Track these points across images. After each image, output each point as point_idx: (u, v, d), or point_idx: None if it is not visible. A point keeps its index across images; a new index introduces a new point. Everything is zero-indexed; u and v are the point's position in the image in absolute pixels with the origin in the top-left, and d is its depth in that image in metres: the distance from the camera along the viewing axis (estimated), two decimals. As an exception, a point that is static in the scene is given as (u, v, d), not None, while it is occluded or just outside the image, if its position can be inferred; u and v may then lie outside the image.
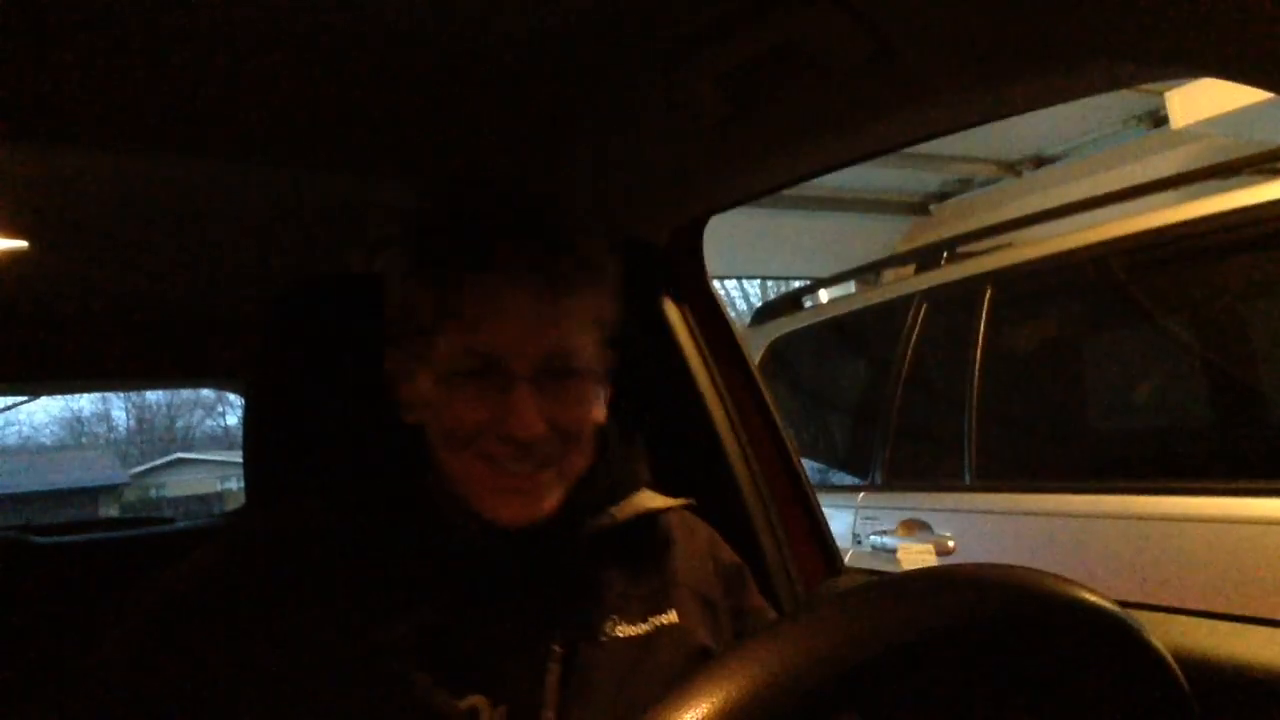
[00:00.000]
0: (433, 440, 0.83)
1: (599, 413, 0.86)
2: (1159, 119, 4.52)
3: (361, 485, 0.86)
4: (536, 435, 0.79)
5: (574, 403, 0.83)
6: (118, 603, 0.82)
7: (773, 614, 1.01)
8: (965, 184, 5.80)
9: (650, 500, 0.96)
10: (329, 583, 0.78)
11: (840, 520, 2.97)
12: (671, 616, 0.89)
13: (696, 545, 0.99)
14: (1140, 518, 2.18)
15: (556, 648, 0.80)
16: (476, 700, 0.75)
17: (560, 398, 0.81)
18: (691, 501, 1.00)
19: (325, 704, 0.73)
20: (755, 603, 1.01)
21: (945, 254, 3.20)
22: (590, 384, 0.85)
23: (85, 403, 23.42)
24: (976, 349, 2.79)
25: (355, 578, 0.79)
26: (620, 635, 0.86)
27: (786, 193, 4.04)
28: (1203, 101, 3.76)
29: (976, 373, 2.77)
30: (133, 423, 24.73)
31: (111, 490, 18.57)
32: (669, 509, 0.96)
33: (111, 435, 24.47)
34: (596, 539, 0.89)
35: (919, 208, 5.99)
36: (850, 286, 4.21)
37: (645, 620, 0.87)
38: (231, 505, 13.65)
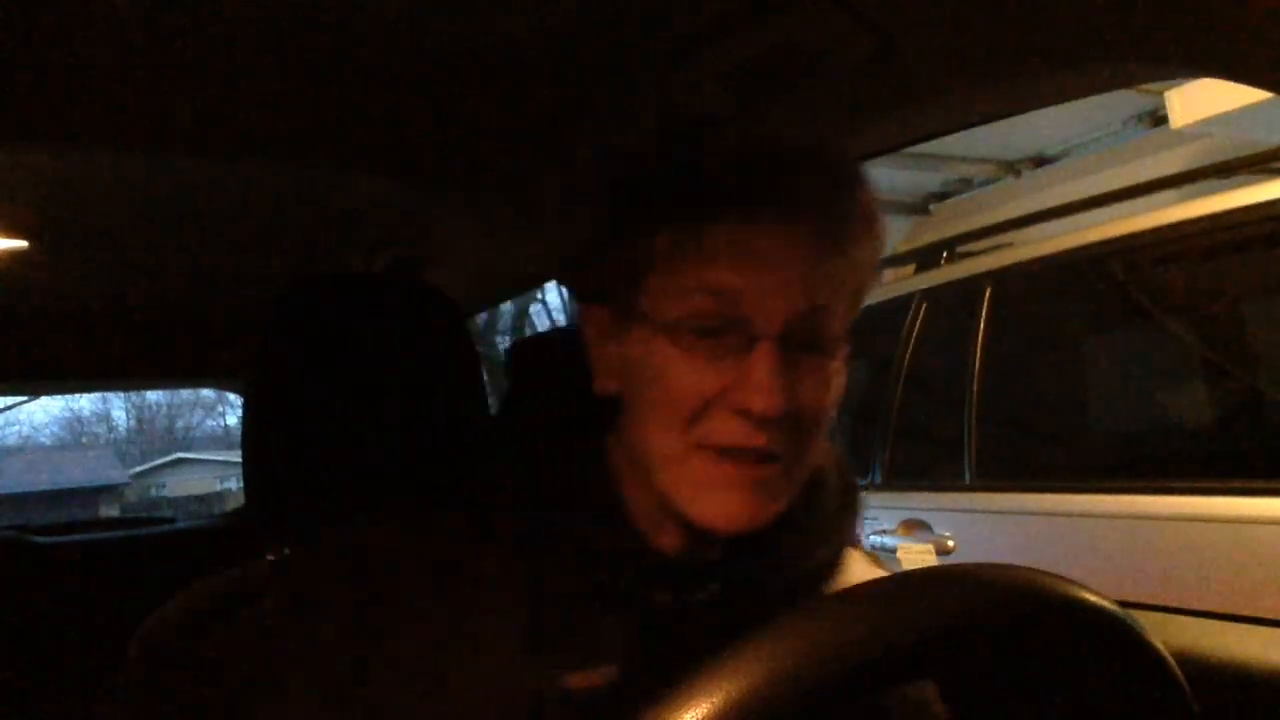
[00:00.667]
0: (634, 417, 0.70)
1: (836, 408, 0.71)
2: (1159, 119, 4.51)
3: (552, 488, 0.73)
4: (780, 411, 0.64)
5: (819, 384, 0.68)
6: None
7: None
8: (965, 184, 5.80)
9: (859, 571, 0.78)
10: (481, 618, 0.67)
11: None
12: None
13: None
14: (1140, 518, 2.18)
15: None
16: None
17: (804, 374, 0.67)
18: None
19: None
20: None
21: (945, 254, 3.21)
22: (836, 364, 0.70)
23: (85, 403, 23.42)
24: (976, 349, 2.78)
25: (515, 604, 0.67)
26: None
27: (786, 193, 4.02)
28: (1203, 101, 3.75)
29: (976, 373, 2.77)
30: (133, 423, 24.73)
31: (111, 490, 18.57)
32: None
33: (111, 435, 24.47)
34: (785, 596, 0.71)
35: (919, 208, 5.99)
36: (850, 286, 4.20)
37: None
38: (231, 505, 13.64)
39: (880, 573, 0.77)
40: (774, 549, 0.71)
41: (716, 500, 0.66)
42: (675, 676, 0.59)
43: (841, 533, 0.78)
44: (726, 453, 0.66)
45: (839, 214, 0.69)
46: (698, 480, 0.66)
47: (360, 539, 0.72)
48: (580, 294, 0.75)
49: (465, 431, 0.96)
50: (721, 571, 0.71)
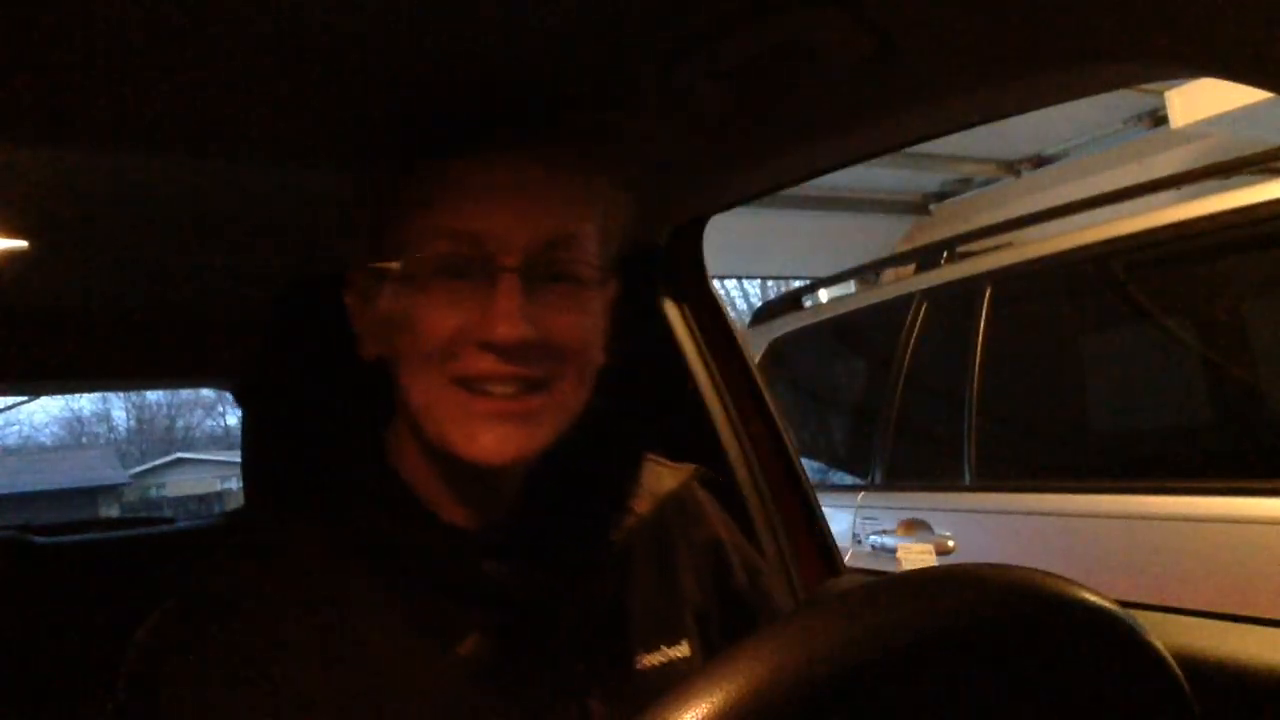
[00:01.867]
0: (397, 372, 0.71)
1: (599, 338, 0.73)
2: (1159, 119, 4.52)
3: (349, 493, 0.75)
4: (523, 338, 0.65)
5: (571, 310, 0.69)
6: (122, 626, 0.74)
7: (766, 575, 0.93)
8: (965, 184, 5.80)
9: (660, 478, 0.82)
10: (354, 610, 0.69)
11: (840, 520, 2.96)
12: (684, 649, 0.78)
13: (697, 538, 0.87)
14: (1140, 518, 2.18)
15: (596, 693, 0.71)
16: None
17: (555, 303, 0.68)
18: (703, 469, 0.88)
19: None
20: (757, 575, 0.90)
21: (945, 254, 3.21)
22: (592, 293, 0.71)
23: (85, 403, 23.43)
24: (976, 349, 2.79)
25: (381, 601, 0.70)
26: (642, 667, 0.75)
27: (786, 192, 4.03)
28: (1203, 101, 3.76)
29: (976, 373, 2.77)
30: (133, 423, 24.74)
31: (111, 490, 18.57)
32: (683, 484, 0.84)
33: (111, 435, 24.48)
34: (626, 546, 0.77)
35: (919, 208, 5.99)
36: (850, 286, 4.22)
37: (660, 648, 0.77)
38: (231, 505, 13.65)
39: (676, 470, 0.84)
40: (563, 497, 0.76)
41: (482, 433, 0.67)
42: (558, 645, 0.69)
43: (632, 454, 0.83)
44: (482, 385, 0.67)
45: (567, 143, 0.70)
46: (459, 416, 0.68)
47: (225, 583, 0.72)
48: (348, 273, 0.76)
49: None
50: (519, 532, 0.74)
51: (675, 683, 0.72)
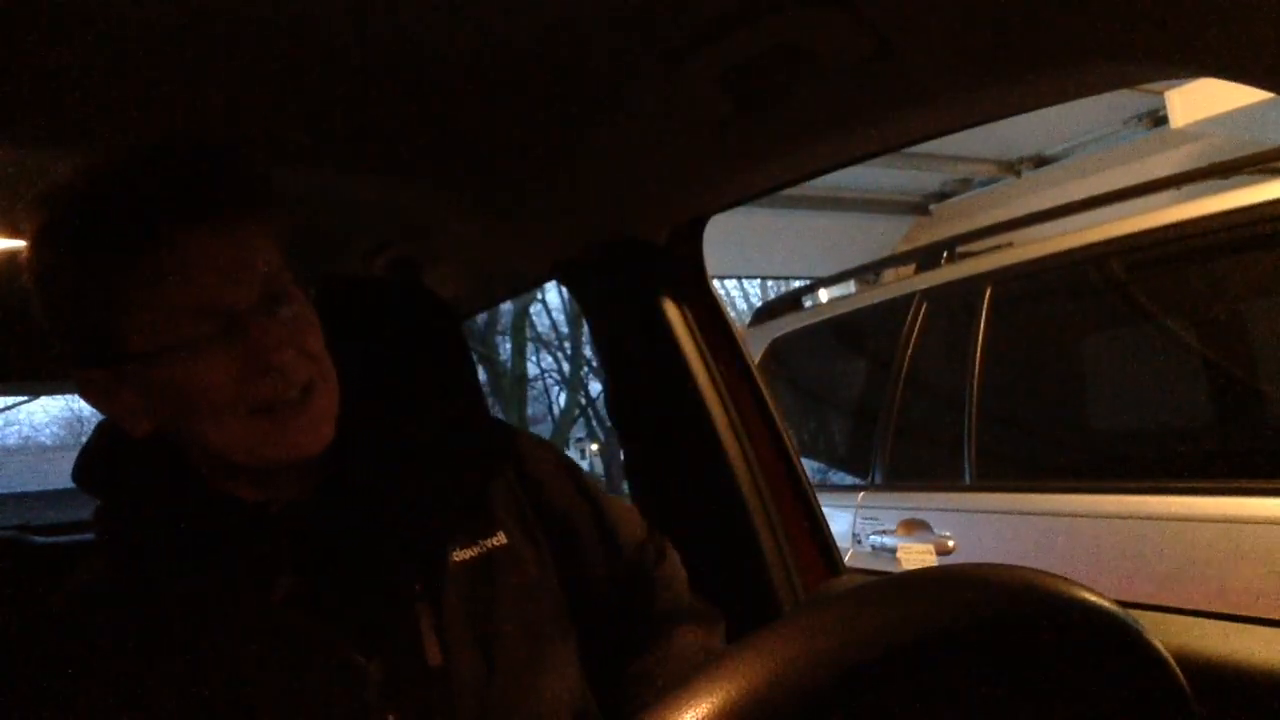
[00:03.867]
0: (185, 435, 0.81)
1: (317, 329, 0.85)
2: (1159, 119, 4.52)
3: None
4: (294, 356, 0.78)
5: (300, 321, 0.82)
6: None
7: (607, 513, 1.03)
8: (965, 184, 5.80)
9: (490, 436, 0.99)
10: (186, 584, 0.79)
11: (840, 520, 2.97)
12: (500, 539, 0.89)
13: (531, 470, 0.98)
14: (1140, 518, 2.18)
15: (418, 588, 0.82)
16: (361, 658, 0.77)
17: (288, 320, 0.80)
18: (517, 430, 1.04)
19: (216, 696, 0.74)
20: (592, 500, 1.02)
21: (945, 254, 3.20)
22: (306, 304, 0.83)
23: (85, 403, 23.38)
24: (976, 349, 2.79)
25: (201, 571, 0.79)
26: (459, 560, 0.86)
27: (786, 193, 4.04)
28: (1203, 101, 3.76)
29: (976, 373, 2.77)
30: (133, 423, 24.67)
31: (111, 490, 18.52)
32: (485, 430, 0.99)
33: (111, 435, 24.41)
34: (410, 458, 0.90)
35: (919, 208, 5.99)
36: (850, 286, 4.22)
37: (476, 544, 0.88)
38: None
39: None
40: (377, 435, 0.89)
41: (289, 441, 0.79)
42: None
43: (432, 412, 0.96)
44: (274, 408, 0.78)
45: (242, 205, 0.79)
46: (266, 435, 0.78)
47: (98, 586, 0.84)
48: (70, 359, 0.82)
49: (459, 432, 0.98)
50: (316, 502, 0.84)
51: (498, 567, 0.86)
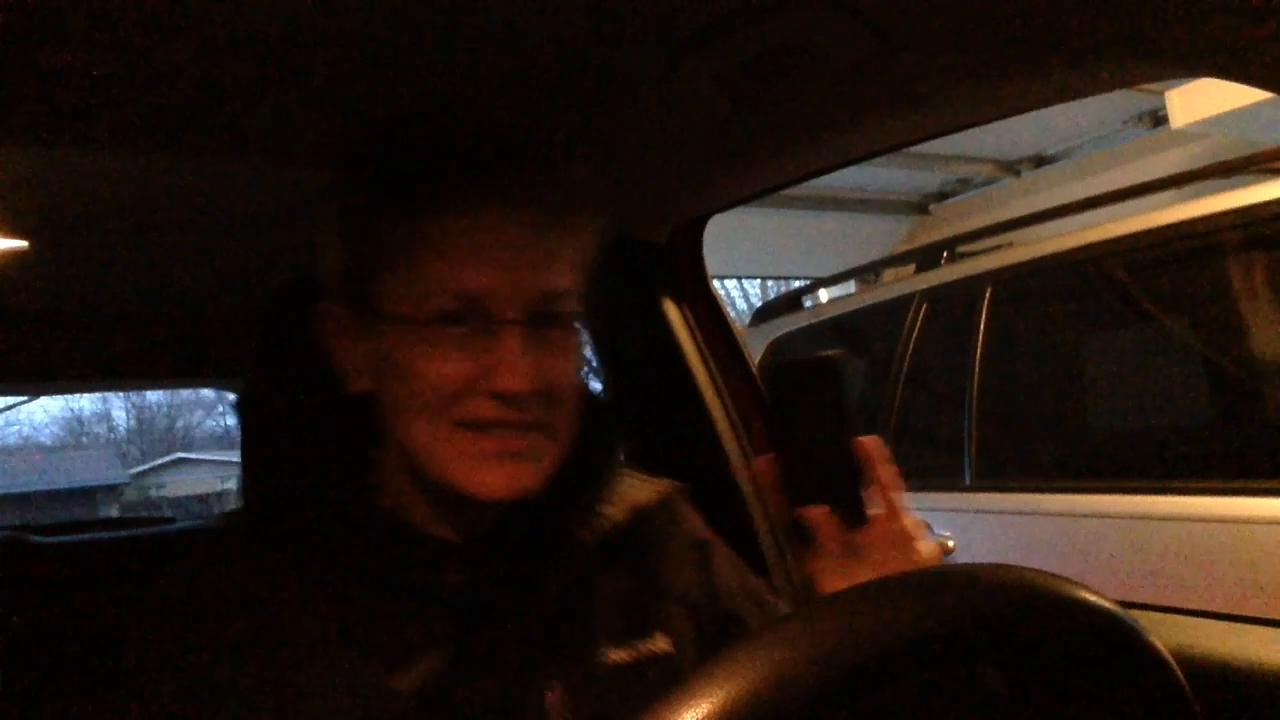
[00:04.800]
0: (393, 410, 0.73)
1: (581, 376, 0.77)
2: (1159, 119, 4.52)
3: (318, 505, 0.76)
4: (529, 389, 0.69)
5: (564, 355, 0.73)
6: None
7: (770, 594, 0.95)
8: (965, 184, 5.81)
9: (639, 490, 0.86)
10: (310, 623, 0.70)
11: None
12: (661, 643, 0.80)
13: (683, 541, 0.89)
14: (1140, 518, 2.18)
15: (556, 688, 0.73)
16: None
17: (549, 349, 0.72)
18: (682, 485, 0.92)
19: None
20: (751, 583, 0.93)
21: (945, 254, 3.21)
22: (578, 336, 0.75)
23: (85, 403, 23.42)
24: (976, 349, 2.79)
25: (335, 618, 0.71)
26: (610, 662, 0.77)
27: (786, 193, 4.04)
28: (1203, 101, 3.76)
29: (976, 373, 2.77)
30: (133, 423, 24.72)
31: (111, 490, 18.57)
32: (661, 495, 0.87)
33: (111, 435, 24.46)
34: (595, 551, 0.79)
35: (919, 208, 5.99)
36: (850, 286, 4.22)
37: (633, 644, 0.78)
38: (231, 505, 13.64)
39: (655, 484, 0.88)
40: (544, 519, 0.77)
41: (488, 473, 0.70)
42: (519, 658, 0.71)
43: (604, 466, 0.84)
44: (487, 428, 0.70)
45: (556, 200, 0.72)
46: (464, 456, 0.70)
47: (176, 586, 0.75)
48: (318, 291, 0.76)
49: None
50: (501, 546, 0.76)
51: (652, 676, 0.77)
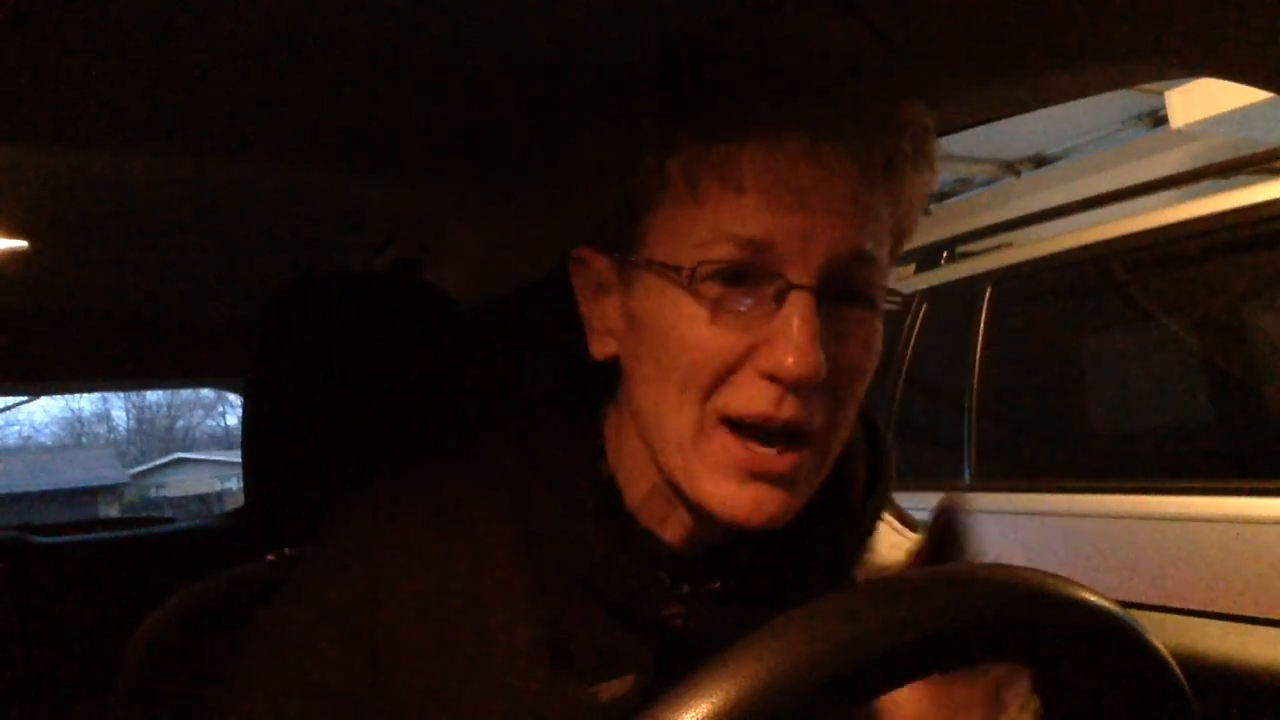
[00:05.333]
0: (638, 383, 0.60)
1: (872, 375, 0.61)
2: (1159, 119, 4.52)
3: (546, 492, 0.63)
4: (816, 373, 0.54)
5: (861, 342, 0.59)
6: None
7: None
8: (965, 184, 5.80)
9: (893, 548, 0.70)
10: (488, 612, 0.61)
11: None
12: None
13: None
14: (1140, 518, 2.18)
15: None
16: None
17: (845, 331, 0.57)
18: (923, 541, 0.73)
19: None
20: None
21: (945, 254, 3.21)
22: (880, 322, 0.60)
23: (85, 403, 23.40)
24: (976, 349, 2.78)
25: (535, 615, 0.61)
26: None
27: (786, 193, 4.02)
28: (1203, 101, 3.75)
29: (976, 373, 2.77)
30: (133, 423, 24.71)
31: (111, 490, 18.56)
32: (910, 560, 0.70)
33: (111, 435, 24.45)
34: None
35: (919, 208, 5.99)
36: (850, 286, 4.20)
37: None
38: (231, 505, 13.65)
39: (905, 540, 0.71)
40: (787, 538, 0.62)
41: (737, 491, 0.57)
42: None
43: (869, 512, 0.69)
44: (749, 431, 0.56)
45: (888, 141, 0.57)
46: (715, 465, 0.57)
47: (365, 536, 0.65)
48: (574, 236, 0.64)
49: (456, 416, 0.92)
50: (729, 563, 0.63)
51: None
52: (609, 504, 0.64)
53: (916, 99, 0.59)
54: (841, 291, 0.57)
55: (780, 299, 0.55)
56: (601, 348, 0.63)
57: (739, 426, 0.56)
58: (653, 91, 0.60)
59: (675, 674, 0.58)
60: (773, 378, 0.54)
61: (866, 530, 0.69)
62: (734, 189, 0.55)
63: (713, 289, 0.55)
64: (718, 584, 0.64)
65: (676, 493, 0.61)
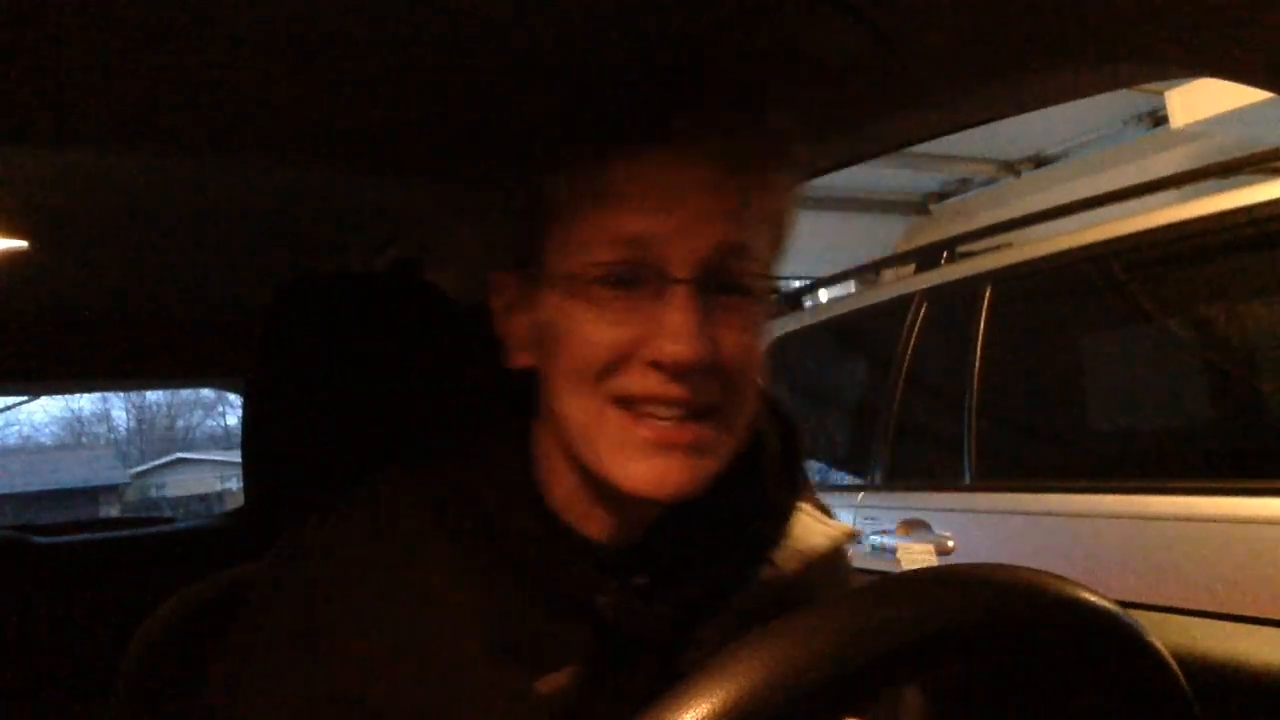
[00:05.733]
0: (549, 384, 0.65)
1: (762, 359, 0.66)
2: (1159, 119, 4.52)
3: (476, 492, 0.67)
4: (697, 359, 0.59)
5: (743, 328, 0.63)
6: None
7: None
8: (965, 184, 5.80)
9: (811, 533, 0.73)
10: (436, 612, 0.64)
11: (840, 520, 2.96)
12: None
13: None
14: (1140, 518, 2.18)
15: None
16: None
17: (726, 319, 0.62)
18: (856, 531, 0.80)
19: None
20: None
21: (945, 254, 3.21)
22: (761, 308, 0.65)
23: (85, 403, 23.42)
24: (976, 349, 2.78)
25: (476, 614, 0.64)
26: None
27: (786, 193, 4.02)
28: (1203, 101, 3.76)
29: (976, 373, 2.77)
30: (133, 423, 24.72)
31: (111, 490, 18.57)
32: (836, 547, 0.74)
33: (111, 435, 24.47)
34: (754, 603, 0.67)
35: (919, 208, 5.99)
36: (850, 286, 4.21)
37: None
38: (231, 505, 13.65)
39: (829, 529, 0.75)
40: (706, 524, 0.67)
41: (643, 465, 0.61)
42: (643, 672, 0.64)
43: (784, 494, 0.73)
44: (644, 408, 0.61)
45: (750, 138, 0.63)
46: (618, 443, 0.62)
47: (312, 556, 0.68)
48: (496, 263, 0.71)
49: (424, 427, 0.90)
50: (654, 556, 0.67)
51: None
52: (538, 507, 0.68)
53: (778, 105, 0.65)
54: (720, 283, 0.62)
55: (662, 293, 0.60)
56: (517, 360, 0.69)
57: (634, 404, 0.61)
58: (542, 110, 0.67)
59: (612, 665, 0.63)
60: (658, 365, 0.60)
61: (783, 510, 0.73)
62: (615, 197, 0.61)
63: (602, 292, 0.61)
64: (646, 577, 0.67)
65: (594, 488, 0.66)
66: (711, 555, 0.68)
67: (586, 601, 0.64)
